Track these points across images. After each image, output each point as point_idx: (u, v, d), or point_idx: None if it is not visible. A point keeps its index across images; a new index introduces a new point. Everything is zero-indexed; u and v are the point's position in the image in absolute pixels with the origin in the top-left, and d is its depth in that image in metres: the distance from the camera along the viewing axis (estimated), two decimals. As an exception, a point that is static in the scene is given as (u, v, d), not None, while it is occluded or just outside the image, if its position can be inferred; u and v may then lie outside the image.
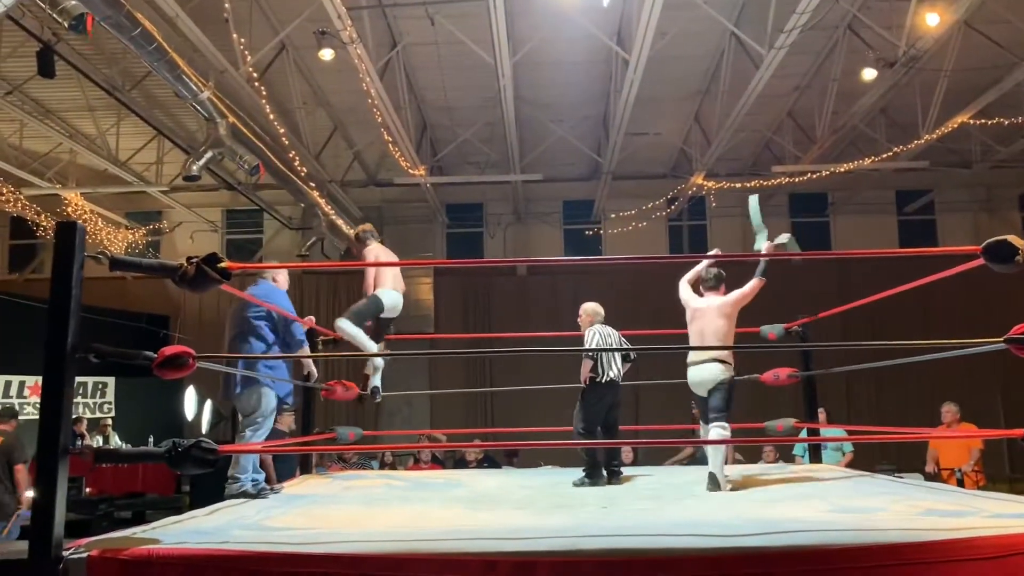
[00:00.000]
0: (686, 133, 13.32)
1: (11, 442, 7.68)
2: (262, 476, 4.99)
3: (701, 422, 5.46)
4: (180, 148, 11.92)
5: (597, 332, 5.57)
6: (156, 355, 3.43)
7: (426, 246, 15.11)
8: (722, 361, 5.16)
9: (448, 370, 14.52)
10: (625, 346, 5.61)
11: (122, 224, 14.59)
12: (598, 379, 5.42)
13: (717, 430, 5.02)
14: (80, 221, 3.61)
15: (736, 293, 5.34)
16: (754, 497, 4.51)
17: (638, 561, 2.76)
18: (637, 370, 5.89)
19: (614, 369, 5.47)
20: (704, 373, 5.19)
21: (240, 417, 5.00)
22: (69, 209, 13.14)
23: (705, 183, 13.11)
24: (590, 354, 5.45)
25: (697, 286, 5.60)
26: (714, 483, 4.81)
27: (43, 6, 5.55)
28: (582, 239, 15.50)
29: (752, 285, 5.32)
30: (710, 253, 5.69)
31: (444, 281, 15.12)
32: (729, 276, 5.54)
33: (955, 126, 10.95)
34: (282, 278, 5.34)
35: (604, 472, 5.44)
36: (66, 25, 5.63)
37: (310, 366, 5.44)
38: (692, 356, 5.30)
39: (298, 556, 2.87)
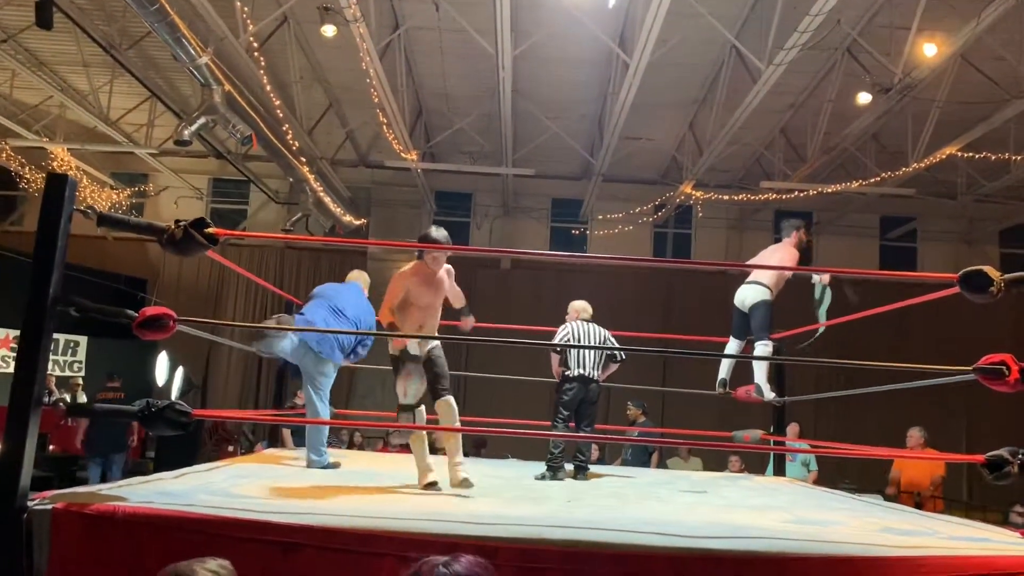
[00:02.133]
0: (679, 141, 13.39)
1: None
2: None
3: (732, 337, 6.19)
4: (172, 112, 11.83)
5: (570, 328, 5.65)
6: (136, 314, 3.43)
7: (412, 232, 15.07)
8: (764, 285, 5.90)
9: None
10: (606, 345, 5.66)
11: (107, 184, 14.46)
12: (569, 372, 5.52)
13: (761, 348, 5.77)
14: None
15: (790, 253, 6.02)
16: (717, 503, 4.58)
17: (602, 555, 2.80)
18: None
19: (586, 366, 5.53)
20: (748, 291, 5.98)
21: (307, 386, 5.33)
22: (55, 164, 13.01)
23: (694, 192, 13.20)
24: (557, 349, 5.56)
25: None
26: (760, 392, 5.80)
27: (47, -44, 5.51)
28: (568, 237, 15.55)
29: (794, 260, 5.99)
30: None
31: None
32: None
33: (943, 156, 11.10)
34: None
35: (568, 467, 5.50)
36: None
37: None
38: (748, 277, 6.12)
39: (265, 524, 2.88)
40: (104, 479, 9.53)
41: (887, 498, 7.87)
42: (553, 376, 5.76)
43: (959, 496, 11.98)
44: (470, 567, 1.43)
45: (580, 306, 5.83)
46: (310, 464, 5.16)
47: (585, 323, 5.70)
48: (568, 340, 5.58)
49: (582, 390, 5.55)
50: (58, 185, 3.15)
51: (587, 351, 5.56)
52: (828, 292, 6.12)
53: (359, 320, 5.43)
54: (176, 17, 7.30)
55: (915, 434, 8.30)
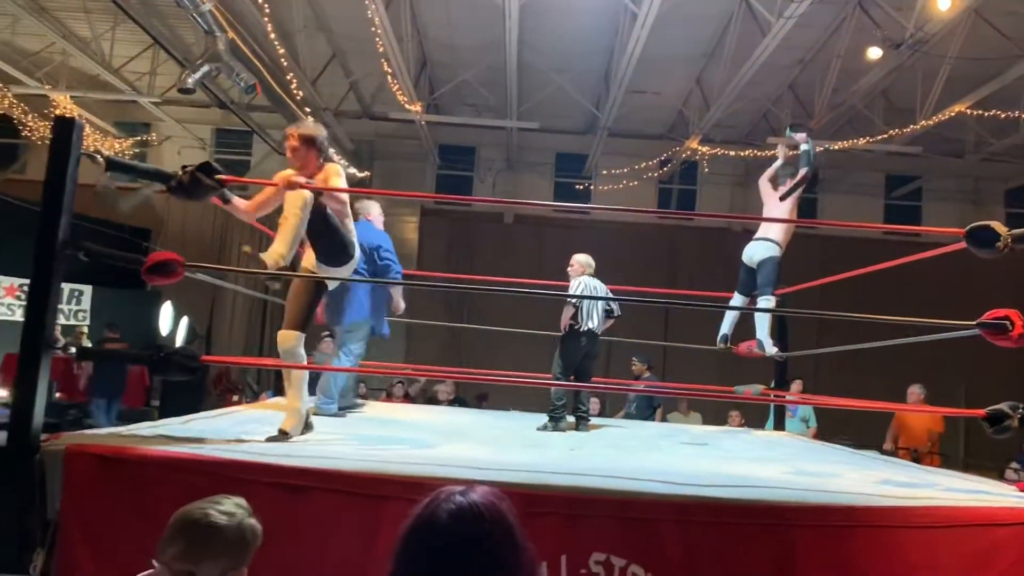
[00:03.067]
0: (686, 95, 13.26)
1: None
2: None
3: (737, 292, 6.28)
4: (175, 60, 11.68)
5: (583, 282, 5.66)
6: (145, 260, 3.44)
7: (415, 185, 15.05)
8: (774, 242, 6.00)
9: (426, 308, 14.57)
10: (613, 303, 5.71)
11: (110, 132, 14.37)
12: (577, 327, 5.52)
13: (765, 302, 5.87)
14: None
15: (790, 185, 6.16)
16: (717, 455, 4.64)
17: (605, 501, 2.85)
18: (614, 325, 6.00)
19: (594, 320, 5.56)
20: (757, 247, 6.07)
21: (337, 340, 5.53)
22: (57, 111, 12.91)
23: (700, 148, 13.11)
24: (572, 302, 5.55)
25: (774, 181, 6.45)
26: (761, 347, 5.89)
27: None
28: (572, 192, 15.48)
29: (802, 173, 6.08)
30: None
31: (430, 221, 15.09)
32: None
33: (952, 114, 11.00)
34: (375, 212, 5.77)
35: (569, 418, 5.57)
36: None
37: (398, 301, 5.70)
38: (758, 232, 6.22)
39: (273, 466, 2.93)
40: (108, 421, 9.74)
41: (885, 453, 7.97)
42: (558, 329, 5.77)
43: (956, 453, 12.11)
44: (486, 496, 1.46)
45: (586, 260, 5.85)
46: (317, 411, 5.21)
47: (590, 278, 5.72)
48: (583, 294, 5.60)
49: (588, 344, 5.59)
50: (66, 129, 3.14)
51: (594, 306, 5.58)
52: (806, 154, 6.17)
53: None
54: (179, -38, 7.20)
55: (915, 391, 8.37)
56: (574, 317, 5.55)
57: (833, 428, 10.59)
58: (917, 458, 7.75)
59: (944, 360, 12.68)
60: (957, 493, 3.33)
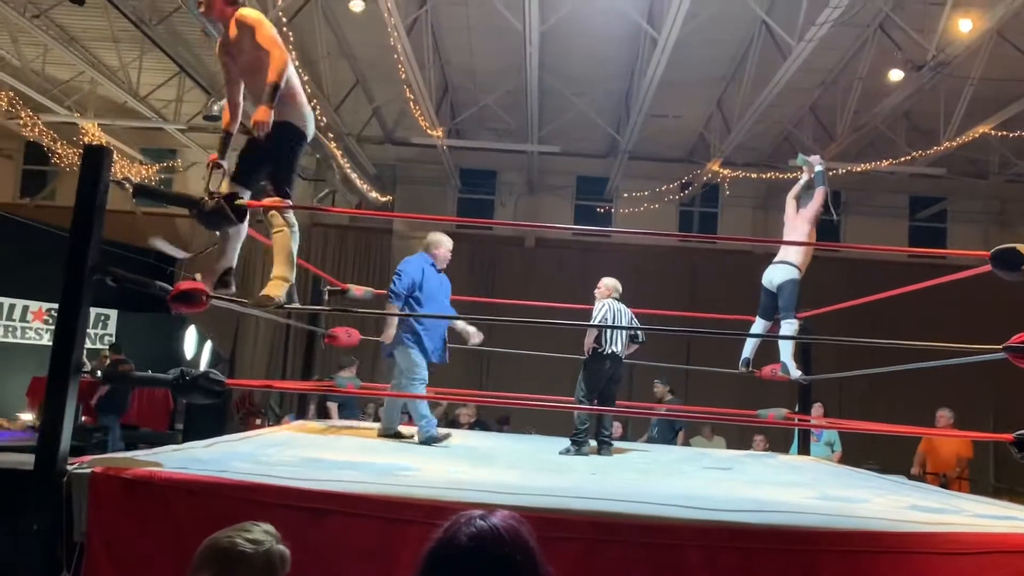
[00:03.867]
0: (707, 118, 13.27)
1: None
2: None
3: (759, 316, 6.28)
4: (201, 87, 11.91)
5: (608, 305, 5.67)
6: (171, 288, 3.49)
7: (437, 209, 15.12)
8: (793, 264, 5.99)
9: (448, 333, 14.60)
10: (635, 325, 5.71)
11: (136, 159, 14.59)
12: (601, 350, 5.52)
13: (788, 326, 5.86)
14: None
15: (810, 205, 6.19)
16: (741, 480, 4.60)
17: (627, 525, 2.83)
18: (637, 349, 5.99)
19: (618, 344, 5.56)
20: (777, 270, 6.05)
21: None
22: (86, 139, 13.14)
23: (721, 171, 13.10)
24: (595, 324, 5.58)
25: (798, 200, 6.44)
26: (786, 371, 5.89)
27: (81, -70, 5.55)
28: (593, 215, 15.50)
29: (819, 193, 6.14)
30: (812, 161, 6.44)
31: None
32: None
33: (976, 135, 10.92)
34: (440, 252, 5.71)
35: (592, 442, 5.54)
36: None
37: (466, 328, 5.75)
38: (777, 256, 6.23)
39: (296, 490, 2.94)
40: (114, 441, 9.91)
41: (912, 478, 7.85)
42: (580, 351, 5.76)
43: (985, 478, 11.91)
44: (506, 520, 1.46)
45: (613, 284, 5.88)
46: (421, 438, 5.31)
47: (616, 301, 5.73)
48: (606, 318, 5.61)
49: (612, 367, 5.58)
50: (95, 157, 3.21)
51: (619, 330, 5.59)
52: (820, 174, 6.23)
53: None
54: (206, -8, 7.33)
55: (944, 415, 8.26)
56: (598, 340, 5.53)
57: (859, 453, 10.46)
58: (945, 483, 7.63)
59: (972, 384, 12.51)
60: (986, 519, 3.28)
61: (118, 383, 9.54)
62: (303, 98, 3.83)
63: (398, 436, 5.53)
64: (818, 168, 6.27)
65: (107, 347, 12.68)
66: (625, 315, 5.68)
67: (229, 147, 3.98)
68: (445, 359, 5.66)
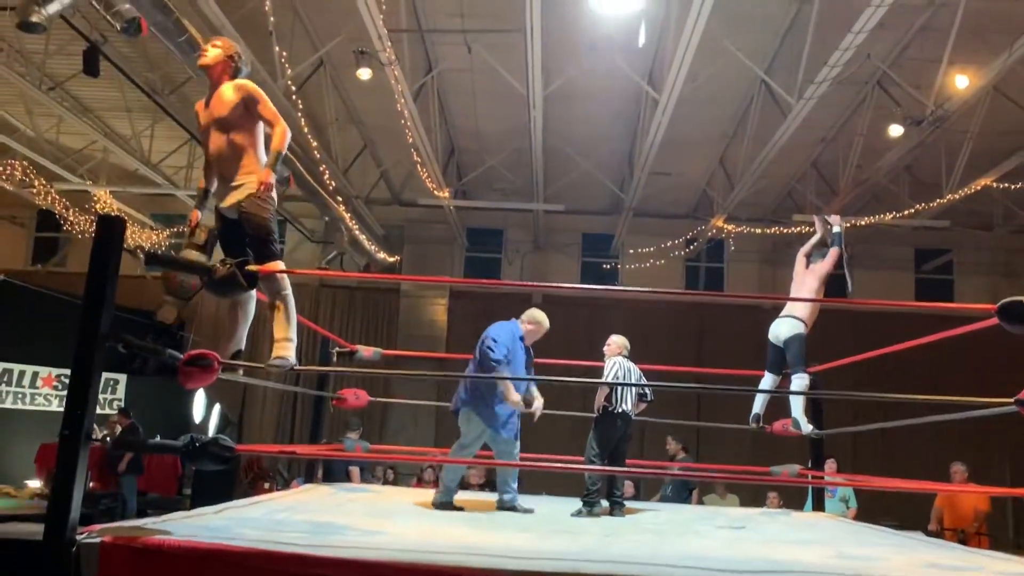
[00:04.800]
0: (710, 175, 13.43)
1: None
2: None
3: (767, 371, 6.20)
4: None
5: (619, 364, 5.65)
6: (182, 356, 3.51)
7: (444, 268, 15.23)
8: (799, 319, 5.95)
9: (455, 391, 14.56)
10: (643, 382, 5.70)
11: (147, 224, 14.78)
12: (611, 408, 5.49)
13: (798, 381, 5.77)
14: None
15: (821, 263, 6.17)
16: (756, 539, 4.53)
17: (640, 588, 2.80)
18: (646, 406, 5.97)
19: (627, 402, 5.53)
20: (782, 325, 6.01)
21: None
22: (97, 206, 13.34)
23: (725, 226, 13.19)
24: (608, 381, 5.57)
25: (809, 257, 6.42)
26: (797, 426, 5.88)
27: (98, 8, 5.73)
28: (599, 272, 15.57)
29: (833, 253, 6.15)
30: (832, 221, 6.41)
31: (459, 303, 15.21)
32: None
33: (978, 188, 11.01)
34: (532, 328, 5.57)
35: (604, 503, 5.48)
36: (119, 28, 5.81)
37: (511, 395, 5.24)
38: (783, 310, 6.18)
39: (307, 557, 2.91)
40: (125, 506, 9.82)
41: (929, 534, 7.72)
42: (588, 409, 5.75)
43: (1004, 533, 11.70)
44: None
45: (622, 342, 5.87)
46: (501, 505, 5.27)
47: (625, 359, 5.73)
48: (618, 376, 5.60)
49: (623, 427, 5.55)
50: (110, 226, 3.26)
51: (629, 387, 5.57)
52: (838, 236, 6.27)
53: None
54: (217, 63, 7.52)
55: (959, 469, 8.16)
56: (609, 399, 5.51)
57: (875, 508, 10.31)
58: (964, 539, 7.50)
59: (987, 436, 12.37)
60: (1007, 577, 3.23)
61: (129, 450, 9.52)
62: (262, 157, 3.89)
63: (452, 507, 5.19)
64: (836, 229, 6.30)
65: (116, 412, 12.67)
66: (634, 373, 5.68)
67: (206, 205, 4.03)
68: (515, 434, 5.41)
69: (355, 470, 8.11)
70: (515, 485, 5.33)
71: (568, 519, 5.10)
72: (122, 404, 13.11)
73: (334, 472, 8.10)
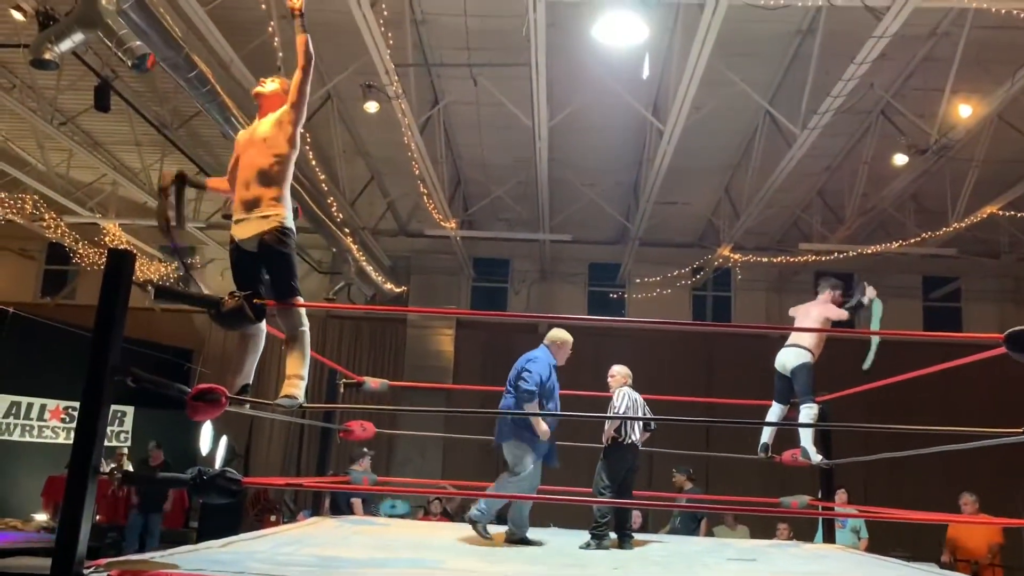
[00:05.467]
0: (715, 205, 13.47)
1: None
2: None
3: (775, 401, 6.20)
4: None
5: (626, 395, 5.66)
6: (190, 390, 3.52)
7: (451, 298, 15.26)
8: (805, 348, 5.99)
9: (463, 424, 14.52)
10: (649, 414, 5.69)
11: (156, 257, 14.87)
12: (621, 440, 5.48)
13: (806, 411, 5.81)
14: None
15: (829, 308, 6.15)
16: (766, 571, 4.49)
17: (648, 622, 2.77)
18: (654, 437, 5.95)
19: (636, 432, 5.52)
20: (789, 354, 6.03)
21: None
22: (107, 238, 13.44)
23: (732, 255, 13.20)
24: (616, 413, 5.54)
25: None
26: (806, 456, 5.89)
27: (109, 45, 5.82)
28: (606, 301, 15.57)
29: (839, 312, 6.12)
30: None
31: (466, 334, 15.21)
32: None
33: (984, 216, 11.01)
34: (564, 350, 5.57)
35: (612, 535, 5.44)
36: (129, 64, 5.90)
37: (540, 425, 5.20)
38: (788, 340, 6.17)
39: (313, 591, 2.91)
40: (143, 538, 9.72)
41: (943, 566, 7.63)
42: (599, 441, 5.73)
43: (1019, 563, 11.53)
44: None
45: (626, 372, 5.90)
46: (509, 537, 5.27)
47: (631, 389, 5.73)
48: (628, 407, 5.59)
49: (632, 458, 5.54)
50: (120, 260, 3.29)
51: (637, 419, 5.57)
52: (878, 304, 6.15)
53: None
54: (226, 97, 7.63)
55: (968, 500, 8.07)
56: (618, 430, 5.50)
57: (887, 538, 10.18)
58: (977, 571, 7.41)
59: (999, 465, 12.23)
60: (1020, 610, 3.18)
61: (136, 484, 9.49)
62: (289, 198, 3.89)
63: (525, 542, 5.21)
64: (864, 300, 6.26)
65: (124, 444, 12.67)
66: (639, 402, 5.67)
67: (186, 184, 3.96)
68: (556, 462, 5.40)
69: (357, 502, 8.06)
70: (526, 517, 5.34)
71: (576, 552, 5.06)
72: (128, 436, 13.12)
73: (340, 505, 8.07)
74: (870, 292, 6.18)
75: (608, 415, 5.63)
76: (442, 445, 14.21)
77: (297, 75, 3.82)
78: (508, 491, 5.13)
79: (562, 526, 7.84)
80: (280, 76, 4.13)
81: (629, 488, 5.67)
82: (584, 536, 5.41)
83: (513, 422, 5.19)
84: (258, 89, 4.01)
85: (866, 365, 6.20)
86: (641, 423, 5.59)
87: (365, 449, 8.93)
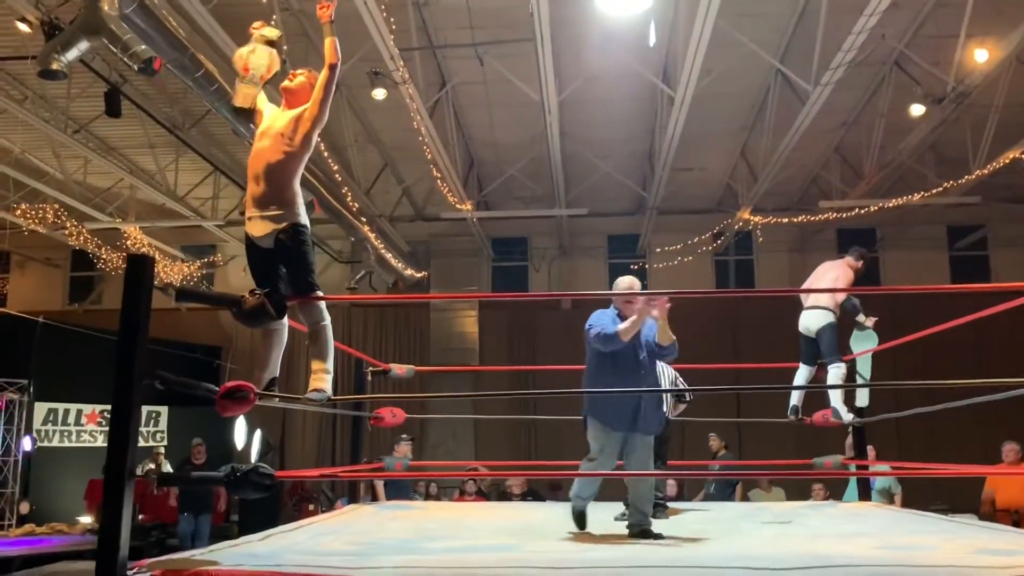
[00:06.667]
0: (732, 168, 13.34)
1: None
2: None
3: (802, 363, 6.20)
4: (236, 184, 12.29)
5: None
6: (218, 388, 3.55)
7: (472, 279, 15.27)
8: (827, 308, 5.97)
9: (492, 403, 14.58)
10: (679, 385, 5.66)
11: (178, 257, 15.01)
12: None
13: (835, 371, 5.83)
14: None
15: (847, 271, 6.23)
16: (803, 533, 4.48)
17: (685, 592, 2.78)
18: (688, 407, 5.94)
19: (665, 403, 5.51)
20: (812, 317, 6.03)
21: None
22: (128, 242, 13.58)
23: (752, 218, 13.09)
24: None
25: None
26: (837, 416, 5.88)
27: (114, 51, 5.84)
28: (627, 273, 15.45)
29: (849, 279, 6.19)
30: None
31: (489, 315, 15.24)
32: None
33: (1007, 161, 10.80)
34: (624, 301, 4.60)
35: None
36: (136, 69, 5.92)
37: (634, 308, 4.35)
38: (807, 301, 6.17)
39: (352, 580, 2.94)
40: (193, 539, 9.84)
41: (982, 517, 7.58)
42: None
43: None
44: None
45: None
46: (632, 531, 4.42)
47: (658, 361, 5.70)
48: None
49: (662, 429, 5.53)
50: (140, 265, 3.31)
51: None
52: (871, 335, 6.23)
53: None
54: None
55: (1014, 447, 7.98)
56: None
57: (925, 491, 10.14)
58: (1018, 520, 7.34)
59: (1036, 411, 12.10)
60: (1062, 558, 3.16)
61: (170, 484, 9.63)
62: (300, 192, 3.88)
63: (646, 535, 4.22)
64: (864, 323, 6.32)
65: (160, 444, 12.85)
66: (668, 374, 5.65)
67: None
68: (643, 427, 4.40)
69: (379, 485, 8.10)
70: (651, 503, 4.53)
71: (611, 524, 5.08)
72: (164, 436, 13.31)
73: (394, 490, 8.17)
74: (868, 321, 6.32)
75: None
76: (472, 426, 14.29)
77: (324, 72, 3.83)
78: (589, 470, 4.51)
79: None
80: (308, 69, 4.11)
81: (662, 458, 5.67)
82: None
83: (588, 399, 4.57)
84: (286, 84, 3.99)
85: (863, 403, 6.22)
86: (672, 396, 5.58)
87: (404, 436, 9.02)
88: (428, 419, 13.36)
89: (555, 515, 5.78)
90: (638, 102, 10.99)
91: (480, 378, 14.27)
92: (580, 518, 4.56)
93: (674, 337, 4.55)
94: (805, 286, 6.55)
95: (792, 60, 9.40)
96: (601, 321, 4.60)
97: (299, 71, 4.02)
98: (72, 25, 5.94)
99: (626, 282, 4.79)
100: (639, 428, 4.40)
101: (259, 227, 3.76)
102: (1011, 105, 10.06)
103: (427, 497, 10.45)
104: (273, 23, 7.53)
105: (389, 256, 13.10)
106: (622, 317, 4.57)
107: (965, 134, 11.03)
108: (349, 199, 11.18)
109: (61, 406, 12.52)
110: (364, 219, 12.00)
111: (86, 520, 10.81)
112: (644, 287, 5.93)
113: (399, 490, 8.57)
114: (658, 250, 15.05)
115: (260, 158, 3.81)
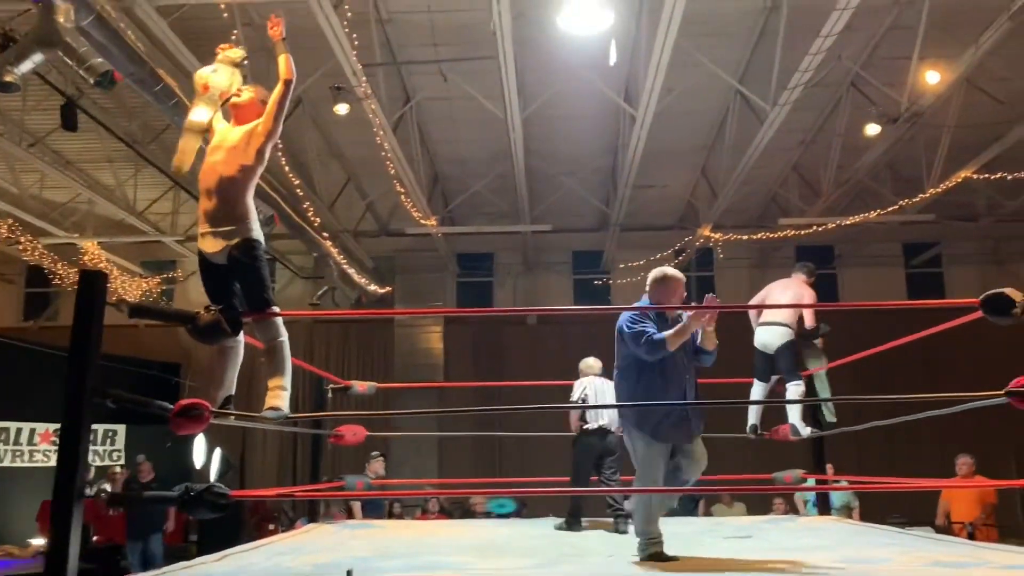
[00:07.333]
0: (693, 186, 13.49)
1: None
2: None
3: (755, 379, 6.18)
4: (195, 199, 12.11)
5: (584, 385, 5.90)
6: (172, 407, 3.49)
7: (437, 295, 15.23)
8: (785, 325, 6.02)
9: (456, 421, 14.52)
10: (609, 401, 5.62)
11: (137, 273, 14.76)
12: (586, 426, 5.70)
13: (794, 388, 5.92)
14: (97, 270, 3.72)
15: (806, 289, 6.29)
16: (761, 548, 4.52)
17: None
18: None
19: (604, 417, 5.65)
20: (770, 334, 6.06)
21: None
22: (86, 258, 13.32)
23: (712, 235, 13.23)
24: (577, 402, 5.82)
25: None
26: (796, 432, 5.94)
27: (71, 64, 5.76)
28: (591, 288, 15.58)
29: (811, 296, 6.25)
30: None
31: (454, 330, 15.21)
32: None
33: (959, 180, 11.06)
34: (662, 292, 4.24)
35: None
36: (92, 82, 5.83)
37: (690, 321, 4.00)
38: (764, 317, 6.18)
39: (307, 600, 2.90)
40: (146, 562, 9.61)
41: (938, 530, 7.70)
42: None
43: (1015, 522, 11.66)
44: None
45: (590, 363, 6.09)
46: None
47: (595, 378, 5.90)
48: (587, 394, 5.81)
49: (600, 443, 5.68)
50: (92, 280, 3.26)
51: (603, 402, 5.70)
52: (820, 353, 6.36)
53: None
54: (194, 109, 7.55)
55: (967, 460, 8.13)
56: (582, 417, 5.71)
57: (883, 504, 10.26)
58: (972, 533, 7.47)
59: (992, 422, 12.32)
60: (1014, 570, 3.22)
61: (121, 504, 9.43)
62: (254, 208, 3.86)
63: (658, 557, 3.80)
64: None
65: (117, 463, 12.58)
66: (601, 390, 5.77)
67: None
68: (681, 438, 4.11)
69: (356, 505, 8.09)
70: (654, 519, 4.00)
71: (572, 540, 5.08)
72: (121, 454, 13.04)
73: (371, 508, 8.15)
74: (819, 343, 6.40)
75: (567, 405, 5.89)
76: (436, 444, 14.22)
77: (279, 88, 3.82)
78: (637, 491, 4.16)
79: (559, 515, 7.87)
80: (255, 85, 4.10)
81: (616, 471, 5.76)
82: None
83: (620, 413, 4.34)
84: (234, 100, 3.98)
85: (832, 418, 6.34)
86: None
87: (375, 452, 8.97)
88: (392, 437, 13.25)
89: (517, 532, 5.78)
90: (601, 120, 11.08)
91: (445, 394, 14.22)
92: (659, 556, 3.81)
93: (717, 341, 4.24)
94: (757, 302, 6.62)
95: (751, 80, 9.55)
96: (641, 321, 4.05)
97: (246, 87, 4.00)
98: (26, 37, 5.84)
99: (658, 274, 4.26)
100: (690, 439, 4.14)
101: (212, 243, 3.73)
102: (962, 126, 10.30)
103: (390, 516, 10.36)
104: (234, 37, 7.50)
105: (352, 271, 13.02)
106: (661, 317, 4.16)
107: (920, 153, 11.27)
108: (311, 214, 11.09)
109: (14, 424, 12.20)
110: (327, 234, 11.92)
111: (38, 542, 10.53)
112: (608, 303, 6.09)
113: (375, 508, 8.56)
114: (621, 266, 15.12)
115: (212, 172, 3.78)
